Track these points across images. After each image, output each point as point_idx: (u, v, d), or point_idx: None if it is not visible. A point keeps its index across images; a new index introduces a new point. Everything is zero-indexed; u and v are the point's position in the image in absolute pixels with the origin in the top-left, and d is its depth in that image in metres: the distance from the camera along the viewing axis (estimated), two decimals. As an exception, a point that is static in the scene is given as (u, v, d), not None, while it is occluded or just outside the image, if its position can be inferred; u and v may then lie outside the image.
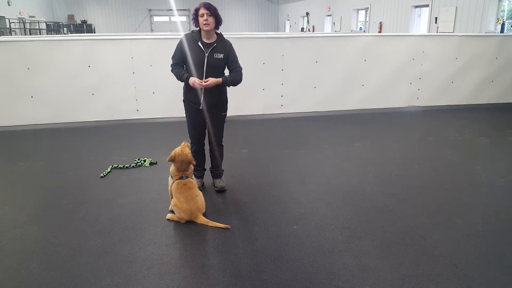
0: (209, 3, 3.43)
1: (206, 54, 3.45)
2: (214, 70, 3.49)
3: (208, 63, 3.45)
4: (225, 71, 3.64)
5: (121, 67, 6.35)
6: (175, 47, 3.57)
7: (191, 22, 3.56)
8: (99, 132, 5.96)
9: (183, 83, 3.60)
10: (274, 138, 5.66)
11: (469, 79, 7.70)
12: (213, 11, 3.40)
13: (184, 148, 3.32)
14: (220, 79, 3.47)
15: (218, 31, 3.59)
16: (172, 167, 3.32)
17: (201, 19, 3.40)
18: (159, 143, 5.33)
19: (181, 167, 3.25)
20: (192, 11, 3.54)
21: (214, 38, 3.51)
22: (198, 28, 3.52)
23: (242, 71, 3.63)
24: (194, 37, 3.49)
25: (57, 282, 2.47)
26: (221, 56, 3.49)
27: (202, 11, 3.39)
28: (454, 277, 2.51)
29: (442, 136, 5.69)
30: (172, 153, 3.27)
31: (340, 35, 8.17)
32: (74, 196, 3.69)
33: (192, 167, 3.37)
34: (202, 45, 3.46)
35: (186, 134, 3.82)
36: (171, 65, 3.58)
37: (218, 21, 3.46)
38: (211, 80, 3.41)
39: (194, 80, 3.38)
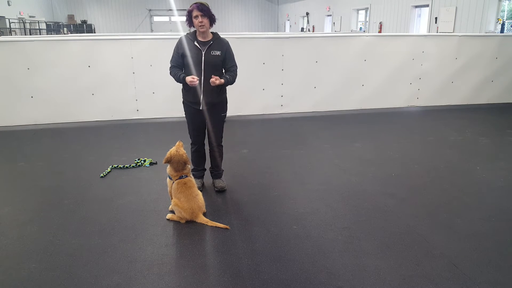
0: (201, 4, 3.40)
1: (203, 52, 3.45)
2: (212, 67, 3.50)
3: (206, 60, 3.46)
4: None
5: (121, 67, 6.35)
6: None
7: (186, 24, 3.55)
8: (99, 132, 5.96)
9: (181, 84, 3.61)
10: (274, 138, 5.66)
11: (469, 79, 7.70)
12: (206, 12, 3.39)
13: (179, 148, 3.29)
14: (223, 80, 3.46)
15: (214, 31, 3.60)
16: (168, 168, 3.31)
17: (195, 21, 3.41)
18: (159, 143, 5.32)
19: (177, 167, 3.24)
20: (186, 13, 3.52)
21: (210, 36, 3.52)
22: (193, 29, 3.52)
23: (239, 70, 3.65)
24: (189, 37, 3.50)
25: (57, 282, 2.47)
26: (218, 53, 3.50)
27: (195, 12, 3.39)
28: (454, 277, 2.51)
29: (442, 136, 5.69)
30: (168, 154, 3.25)
31: (340, 35, 8.16)
32: (74, 196, 3.70)
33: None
34: (198, 44, 3.47)
35: (186, 134, 3.82)
36: (169, 68, 3.58)
37: (212, 21, 3.46)
38: (219, 79, 3.40)
39: (190, 78, 3.36)
